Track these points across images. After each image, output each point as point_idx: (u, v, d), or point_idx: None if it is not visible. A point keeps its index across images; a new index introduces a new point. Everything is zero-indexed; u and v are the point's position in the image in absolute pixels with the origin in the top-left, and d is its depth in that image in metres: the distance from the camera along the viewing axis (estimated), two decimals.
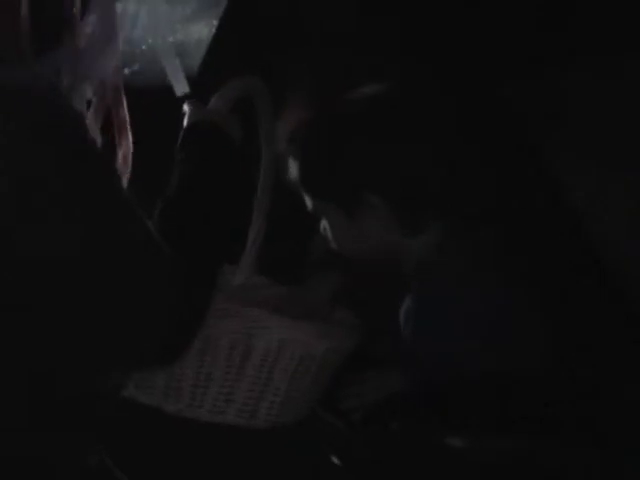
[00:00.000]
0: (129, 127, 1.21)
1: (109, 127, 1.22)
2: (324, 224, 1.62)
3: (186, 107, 1.29)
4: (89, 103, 1.19)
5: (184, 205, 1.17)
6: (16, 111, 0.94)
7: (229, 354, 1.30)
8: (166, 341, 1.05)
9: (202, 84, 1.63)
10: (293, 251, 1.76)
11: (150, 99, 1.42)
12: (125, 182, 1.20)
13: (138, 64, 1.43)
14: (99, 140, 1.16)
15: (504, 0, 1.82)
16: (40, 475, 1.03)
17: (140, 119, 1.28)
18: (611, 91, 1.86)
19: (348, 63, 1.73)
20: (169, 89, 1.50)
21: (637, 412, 1.58)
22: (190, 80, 1.58)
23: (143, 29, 1.46)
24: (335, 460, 1.46)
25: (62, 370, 1.01)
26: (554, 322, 1.63)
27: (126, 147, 1.22)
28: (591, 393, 1.59)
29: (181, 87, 1.34)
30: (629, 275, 1.82)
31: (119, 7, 1.20)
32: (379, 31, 1.77)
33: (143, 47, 1.48)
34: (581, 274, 1.81)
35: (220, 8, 1.58)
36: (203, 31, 1.57)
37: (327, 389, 1.44)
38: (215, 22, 1.58)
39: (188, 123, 1.27)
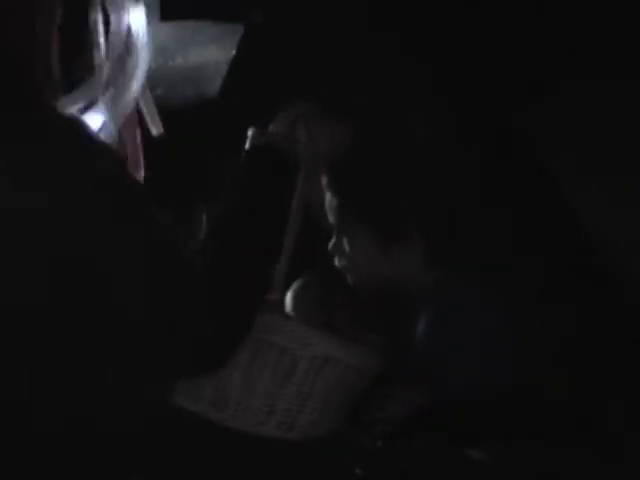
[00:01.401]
0: (142, 159, 1.25)
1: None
2: (338, 242, 1.64)
3: (249, 131, 1.34)
4: None
5: (237, 224, 1.24)
6: (47, 142, 0.99)
7: (275, 367, 1.35)
8: (208, 351, 1.12)
9: (221, 107, 1.67)
10: None
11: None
12: None
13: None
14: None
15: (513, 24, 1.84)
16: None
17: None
18: (610, 95, 1.88)
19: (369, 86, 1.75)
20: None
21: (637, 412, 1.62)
22: (208, 103, 1.62)
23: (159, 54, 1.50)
24: (359, 472, 1.51)
25: (112, 378, 1.05)
26: (559, 328, 1.67)
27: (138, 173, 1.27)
28: (593, 394, 1.63)
29: (156, 127, 1.36)
30: (629, 276, 1.84)
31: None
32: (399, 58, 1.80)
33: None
34: (583, 278, 1.83)
35: (236, 35, 1.61)
36: (219, 56, 1.61)
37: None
38: (231, 48, 1.62)
39: (249, 146, 1.33)
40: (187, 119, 1.45)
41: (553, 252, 1.84)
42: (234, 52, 1.63)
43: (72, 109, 1.08)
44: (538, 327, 1.65)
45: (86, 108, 1.10)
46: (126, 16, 1.09)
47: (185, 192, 1.41)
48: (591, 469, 1.53)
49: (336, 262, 1.65)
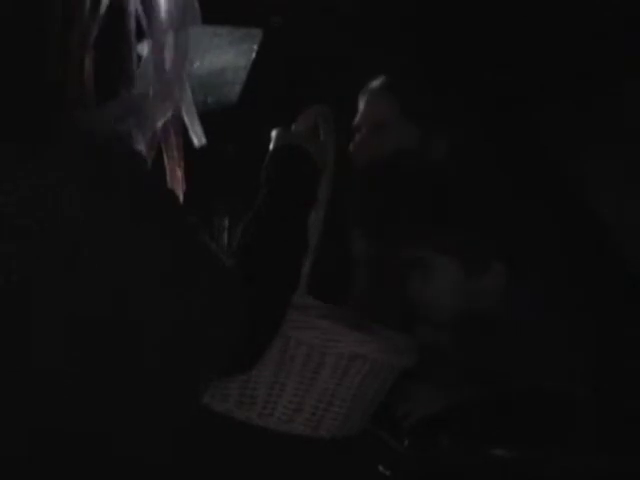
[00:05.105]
0: (181, 168, 1.24)
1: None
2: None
3: (273, 132, 1.35)
4: None
5: (265, 224, 1.26)
6: (78, 152, 0.99)
7: (303, 365, 1.35)
8: (239, 353, 1.13)
9: (240, 112, 1.67)
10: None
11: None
12: None
13: None
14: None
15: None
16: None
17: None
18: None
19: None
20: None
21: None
22: (228, 107, 1.62)
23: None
24: (384, 471, 1.51)
25: (144, 381, 1.05)
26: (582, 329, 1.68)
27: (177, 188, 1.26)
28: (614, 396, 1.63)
29: (198, 138, 1.35)
30: None
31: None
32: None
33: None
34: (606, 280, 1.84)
35: (255, 40, 1.61)
36: (238, 61, 1.61)
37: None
38: (250, 53, 1.62)
39: (274, 146, 1.34)
40: (206, 124, 1.45)
41: (577, 257, 1.85)
42: (253, 57, 1.63)
43: (103, 121, 1.07)
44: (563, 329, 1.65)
45: (118, 119, 1.09)
46: (170, 37, 1.10)
47: (205, 197, 1.40)
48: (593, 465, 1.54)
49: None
